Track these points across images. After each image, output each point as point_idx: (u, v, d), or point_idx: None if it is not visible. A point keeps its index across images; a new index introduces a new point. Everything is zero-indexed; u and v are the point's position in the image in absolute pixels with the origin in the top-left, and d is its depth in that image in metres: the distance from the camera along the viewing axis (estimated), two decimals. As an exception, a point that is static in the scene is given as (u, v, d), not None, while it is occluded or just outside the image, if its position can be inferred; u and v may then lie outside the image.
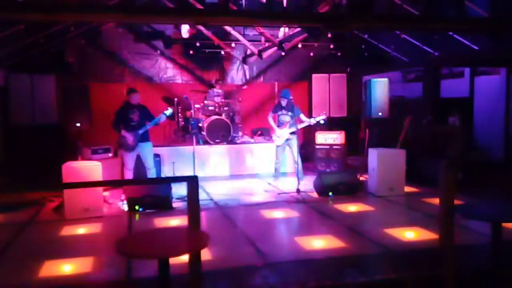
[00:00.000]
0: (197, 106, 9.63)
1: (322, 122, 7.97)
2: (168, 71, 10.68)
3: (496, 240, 3.26)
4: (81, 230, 5.50)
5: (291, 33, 7.91)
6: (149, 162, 7.09)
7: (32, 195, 7.03)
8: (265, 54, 9.21)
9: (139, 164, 7.11)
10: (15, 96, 8.31)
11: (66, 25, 8.49)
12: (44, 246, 4.89)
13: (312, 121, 7.76)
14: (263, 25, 7.95)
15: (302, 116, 7.82)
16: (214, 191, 7.61)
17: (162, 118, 6.93)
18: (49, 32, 8.19)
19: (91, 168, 6.09)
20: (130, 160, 6.95)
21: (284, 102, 7.83)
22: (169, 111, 6.95)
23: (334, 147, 9.22)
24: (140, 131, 6.85)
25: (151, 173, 7.10)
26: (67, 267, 4.21)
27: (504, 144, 8.72)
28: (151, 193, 6.24)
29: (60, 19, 6.91)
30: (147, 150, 7.05)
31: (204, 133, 9.21)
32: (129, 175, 6.98)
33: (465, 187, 6.35)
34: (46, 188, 6.70)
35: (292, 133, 7.74)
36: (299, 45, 10.18)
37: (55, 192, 6.87)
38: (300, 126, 7.79)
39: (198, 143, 9.03)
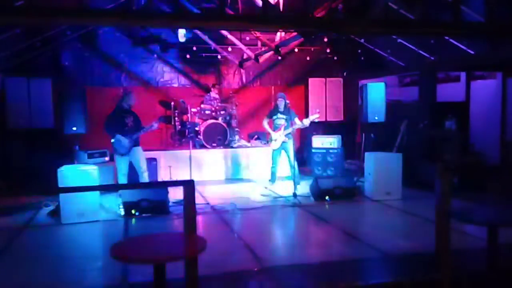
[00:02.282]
0: (193, 110, 9.63)
1: (316, 120, 8.02)
2: (165, 75, 10.67)
3: (493, 244, 3.26)
4: (77, 234, 5.47)
5: (287, 37, 7.92)
6: (143, 166, 7.07)
7: (28, 199, 7.00)
8: (261, 58, 9.22)
9: (131, 169, 7.08)
10: (12, 100, 8.28)
11: (62, 29, 8.49)
12: (40, 251, 4.86)
13: (306, 122, 7.73)
14: (260, 29, 7.97)
15: (297, 120, 7.81)
16: (210, 195, 7.60)
17: (154, 127, 7.01)
18: (46, 36, 8.19)
19: (87, 172, 6.06)
20: (124, 165, 6.92)
21: (281, 104, 7.82)
22: (155, 126, 7.02)
23: (331, 151, 9.22)
24: (134, 136, 6.86)
25: (145, 176, 7.08)
26: (62, 272, 4.19)
27: (499, 148, 8.74)
28: (148, 198, 6.23)
29: (57, 23, 6.91)
30: (140, 154, 7.04)
31: (200, 137, 9.20)
32: (123, 180, 6.95)
33: (461, 191, 6.37)
34: (42, 192, 6.67)
35: (288, 136, 7.75)
36: (296, 49, 10.19)
37: (51, 196, 6.83)
38: (296, 127, 7.77)
39: (194, 147, 9.03)
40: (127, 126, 6.84)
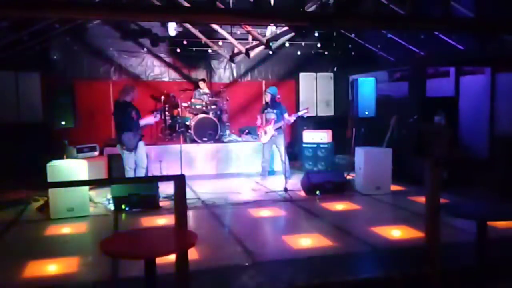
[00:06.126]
0: (184, 104, 9.59)
1: (306, 115, 8.11)
2: (155, 69, 10.59)
3: (481, 238, 3.30)
4: (66, 229, 5.43)
5: (278, 31, 7.90)
6: (145, 161, 7.02)
7: (16, 194, 6.92)
8: (252, 53, 9.19)
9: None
10: (0, 94, 8.18)
11: (50, 22, 8.36)
12: (29, 246, 4.81)
13: (292, 118, 7.77)
14: (250, 23, 7.92)
15: (286, 115, 7.82)
16: (201, 190, 7.57)
17: (155, 119, 7.01)
18: (33, 30, 8.06)
19: (77, 167, 6.01)
20: (131, 159, 6.80)
21: (268, 98, 7.85)
22: (157, 118, 7.02)
23: (321, 145, 9.25)
24: (139, 130, 6.79)
25: (142, 172, 7.02)
26: (52, 267, 4.15)
27: (488, 143, 8.82)
28: (138, 192, 6.18)
29: (44, 16, 6.80)
30: (143, 150, 6.97)
31: (191, 131, 9.17)
32: (131, 174, 6.85)
33: (450, 185, 6.42)
34: (31, 187, 6.61)
35: (278, 130, 7.74)
36: (287, 44, 10.17)
37: (40, 191, 6.76)
38: (284, 122, 7.77)
39: (185, 141, 8.99)
40: (133, 120, 6.72)
